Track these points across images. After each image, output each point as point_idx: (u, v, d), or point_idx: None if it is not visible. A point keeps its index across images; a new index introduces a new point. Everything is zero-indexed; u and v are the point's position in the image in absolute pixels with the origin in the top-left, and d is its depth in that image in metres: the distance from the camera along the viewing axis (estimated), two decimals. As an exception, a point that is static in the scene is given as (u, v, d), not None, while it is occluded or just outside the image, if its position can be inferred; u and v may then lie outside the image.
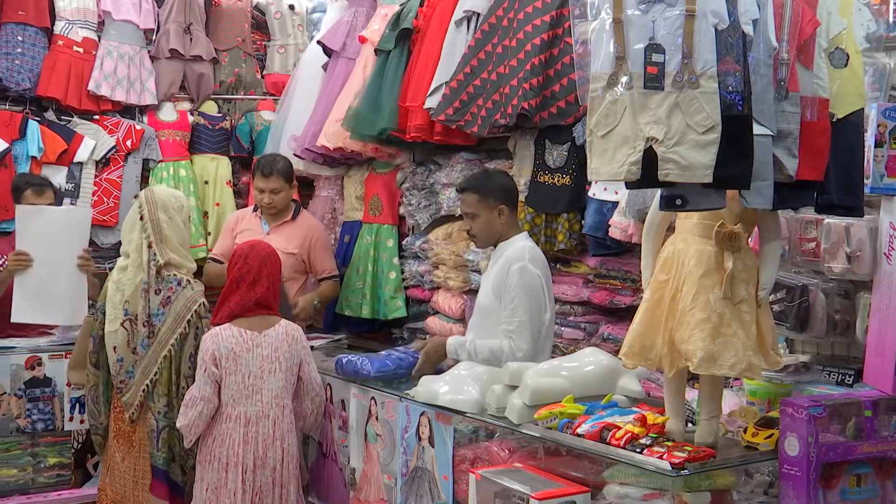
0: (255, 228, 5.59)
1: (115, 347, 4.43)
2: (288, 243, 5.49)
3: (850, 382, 3.44)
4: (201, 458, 4.20)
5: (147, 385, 4.36)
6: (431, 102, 5.12)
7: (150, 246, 4.43)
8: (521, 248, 4.08)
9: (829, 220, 3.43)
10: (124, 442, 4.49)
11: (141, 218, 4.48)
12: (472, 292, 5.23)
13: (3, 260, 5.48)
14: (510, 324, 3.96)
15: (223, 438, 4.14)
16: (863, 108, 3.00)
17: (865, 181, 3.07)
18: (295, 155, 6.25)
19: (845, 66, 2.92)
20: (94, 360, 4.52)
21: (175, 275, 4.42)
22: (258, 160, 5.77)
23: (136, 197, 4.77)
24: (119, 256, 6.34)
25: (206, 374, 4.15)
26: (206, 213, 6.82)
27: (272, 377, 4.20)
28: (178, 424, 4.20)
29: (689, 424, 3.14)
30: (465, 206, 4.22)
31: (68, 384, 4.99)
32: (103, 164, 6.56)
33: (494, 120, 4.80)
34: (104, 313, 4.49)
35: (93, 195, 6.49)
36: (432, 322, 5.50)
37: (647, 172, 2.58)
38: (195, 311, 4.39)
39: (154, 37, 6.90)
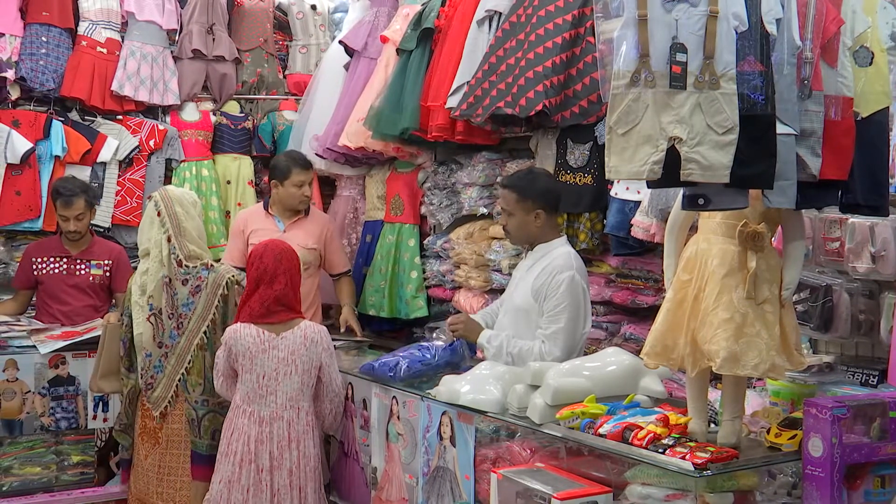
0: (269, 227, 5.57)
1: (145, 344, 4.49)
2: (307, 238, 5.52)
3: (875, 383, 3.43)
4: (221, 449, 4.24)
5: (182, 375, 4.40)
6: (453, 102, 5.12)
7: (169, 240, 4.50)
8: (566, 255, 4.04)
9: (854, 219, 3.42)
10: (149, 439, 4.53)
11: (158, 214, 4.54)
12: (494, 292, 5.23)
13: (45, 263, 5.55)
14: (547, 329, 3.94)
15: (239, 433, 4.18)
16: (888, 107, 2.98)
17: (890, 180, 3.05)
18: (317, 154, 6.28)
19: (870, 64, 2.90)
20: (128, 364, 4.61)
21: (203, 264, 4.50)
22: (287, 157, 5.74)
23: (149, 198, 4.82)
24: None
25: (222, 360, 4.26)
26: (227, 213, 6.84)
27: (287, 379, 4.22)
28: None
29: (712, 425, 3.13)
30: (504, 202, 4.20)
31: (91, 387, 5.01)
32: (126, 164, 6.59)
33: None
34: (130, 317, 4.55)
35: (116, 195, 6.53)
36: (454, 321, 5.50)
37: (667, 171, 2.57)
38: (220, 294, 4.45)
39: (177, 37, 6.92)
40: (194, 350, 4.42)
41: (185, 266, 4.49)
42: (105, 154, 6.47)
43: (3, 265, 6.14)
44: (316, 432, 4.33)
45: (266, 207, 5.71)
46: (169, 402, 4.46)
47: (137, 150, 6.59)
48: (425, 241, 5.93)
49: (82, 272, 5.55)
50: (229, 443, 4.20)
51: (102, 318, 5.26)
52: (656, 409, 3.15)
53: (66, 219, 5.47)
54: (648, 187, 2.96)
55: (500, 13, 5.12)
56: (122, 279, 5.57)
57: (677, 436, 2.83)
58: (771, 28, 2.61)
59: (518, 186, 4.15)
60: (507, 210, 4.17)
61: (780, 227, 3.05)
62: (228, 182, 6.88)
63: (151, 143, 6.65)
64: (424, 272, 5.88)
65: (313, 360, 4.28)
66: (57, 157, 6.32)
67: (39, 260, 5.55)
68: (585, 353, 4.30)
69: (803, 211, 3.05)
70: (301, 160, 5.65)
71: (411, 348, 4.48)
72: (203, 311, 4.43)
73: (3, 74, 6.18)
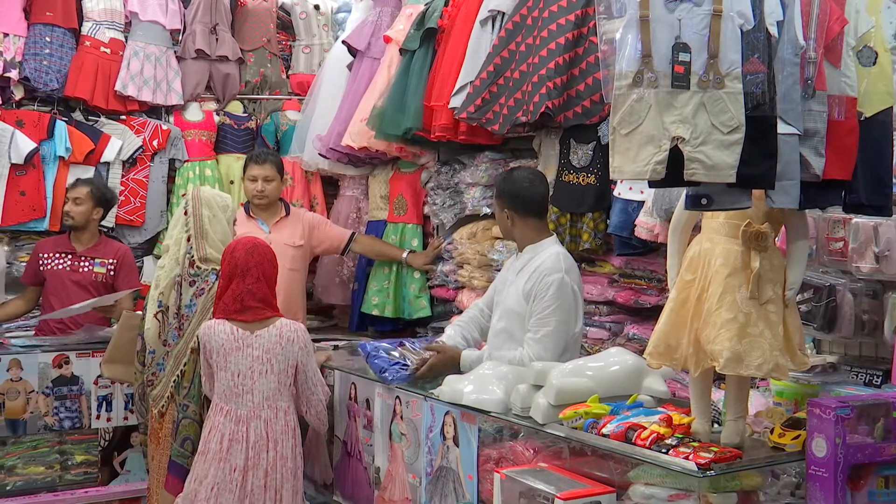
0: (253, 230, 5.52)
1: (149, 340, 4.49)
2: (293, 237, 5.56)
3: (879, 383, 3.42)
4: (199, 448, 4.18)
5: (177, 376, 4.39)
6: (456, 102, 5.12)
7: (188, 240, 4.49)
8: (555, 256, 3.99)
9: (857, 219, 3.41)
10: (153, 439, 4.53)
11: (185, 214, 4.54)
12: (497, 292, 5.23)
13: (51, 258, 5.57)
14: (536, 332, 3.90)
15: (215, 431, 4.12)
16: (891, 107, 2.97)
17: (894, 180, 3.04)
18: (320, 154, 6.29)
19: (874, 64, 2.90)
20: (142, 359, 4.59)
21: (214, 268, 4.46)
22: (248, 155, 5.88)
23: (183, 195, 4.81)
24: (147, 255, 6.45)
25: (203, 358, 4.22)
26: (230, 213, 6.86)
27: (263, 378, 4.16)
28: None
29: (716, 425, 3.12)
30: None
31: (95, 382, 5.02)
32: (130, 164, 6.61)
33: (516, 118, 4.79)
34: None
35: (119, 195, 6.53)
36: (457, 321, 5.50)
37: (670, 171, 2.57)
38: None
39: (180, 37, 6.93)
40: (189, 353, 4.40)
41: (197, 267, 4.46)
42: (108, 154, 6.48)
43: (8, 265, 6.15)
44: (296, 433, 4.26)
45: (247, 211, 5.71)
46: (166, 401, 4.45)
47: (141, 150, 6.60)
48: (429, 242, 5.94)
49: (85, 269, 5.57)
50: (205, 441, 4.14)
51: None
52: (659, 409, 3.14)
53: (66, 200, 5.62)
54: (650, 187, 2.96)
55: (504, 13, 5.12)
56: (126, 278, 5.60)
57: (681, 436, 2.82)
58: (772, 30, 2.61)
59: (496, 185, 4.23)
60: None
61: (783, 227, 3.05)
62: (232, 182, 6.89)
63: (155, 143, 6.66)
64: (427, 272, 5.88)
65: (289, 360, 4.21)
66: (61, 157, 6.33)
67: (46, 256, 5.59)
68: (589, 354, 4.31)
69: (807, 211, 3.05)
70: (256, 155, 5.73)
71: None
72: (200, 315, 4.41)
73: (7, 74, 6.21)
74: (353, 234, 5.97)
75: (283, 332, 4.23)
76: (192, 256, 4.47)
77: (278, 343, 4.20)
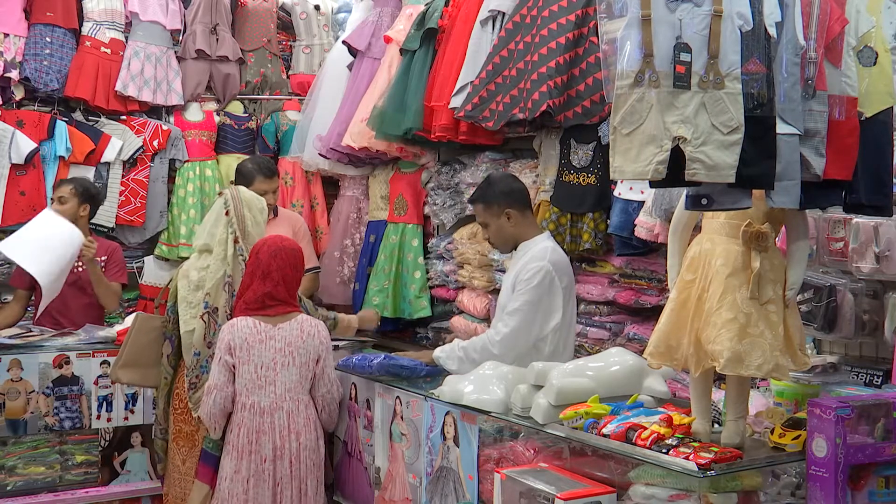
0: None
1: (191, 343, 4.44)
2: None
3: (879, 383, 3.42)
4: (225, 448, 4.21)
5: None
6: (456, 102, 5.12)
7: (236, 241, 4.46)
8: (543, 250, 4.09)
9: (858, 219, 3.41)
10: (186, 443, 4.49)
11: (227, 213, 4.51)
12: (497, 292, 5.22)
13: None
14: (505, 311, 4.04)
15: (239, 427, 4.16)
16: (892, 107, 2.98)
17: (894, 180, 3.04)
18: (320, 154, 6.29)
19: (874, 64, 2.90)
20: (174, 363, 4.57)
21: None
22: (253, 163, 5.70)
23: (220, 194, 4.74)
24: (147, 255, 6.42)
25: (220, 364, 4.18)
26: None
27: (285, 370, 4.20)
28: (198, 414, 4.23)
29: (716, 425, 3.12)
30: (477, 216, 4.30)
31: (95, 382, 5.02)
32: (130, 164, 6.61)
33: (512, 114, 4.79)
34: (177, 314, 4.50)
35: (120, 195, 6.53)
36: (457, 321, 5.50)
37: (670, 172, 2.57)
38: None
39: (181, 37, 6.93)
40: None
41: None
42: (109, 154, 6.49)
43: (8, 266, 6.14)
44: (318, 426, 4.32)
45: None
46: None
47: (141, 150, 6.61)
48: (429, 243, 5.93)
49: (81, 269, 5.56)
50: (228, 439, 4.19)
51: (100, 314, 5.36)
52: (660, 409, 3.14)
53: (52, 201, 5.58)
54: (651, 187, 2.96)
55: (504, 13, 5.12)
56: (112, 273, 5.57)
57: (681, 436, 2.82)
58: (771, 31, 2.61)
59: (480, 196, 4.23)
60: (482, 222, 4.26)
61: (783, 227, 3.05)
62: (232, 182, 6.88)
63: (155, 143, 6.66)
64: (428, 272, 5.88)
65: (311, 353, 4.27)
66: (61, 157, 6.34)
67: None
68: (589, 354, 4.32)
69: (807, 211, 3.05)
70: (265, 168, 5.60)
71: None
72: None
73: (8, 75, 6.21)
74: (314, 269, 5.96)
75: (303, 326, 4.29)
76: (246, 258, 4.43)
77: (300, 337, 4.26)
